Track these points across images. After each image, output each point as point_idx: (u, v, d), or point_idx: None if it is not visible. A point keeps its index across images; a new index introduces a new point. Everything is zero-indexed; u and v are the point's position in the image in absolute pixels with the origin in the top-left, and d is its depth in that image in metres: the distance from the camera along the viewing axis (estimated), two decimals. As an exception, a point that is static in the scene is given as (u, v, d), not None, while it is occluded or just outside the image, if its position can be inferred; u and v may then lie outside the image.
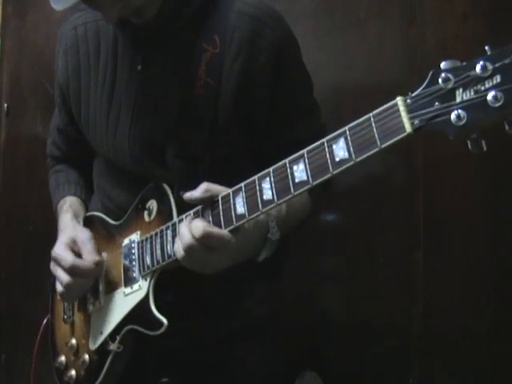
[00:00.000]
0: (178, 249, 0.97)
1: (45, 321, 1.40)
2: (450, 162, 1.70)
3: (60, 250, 1.16)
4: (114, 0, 1.00)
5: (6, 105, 2.43)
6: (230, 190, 0.96)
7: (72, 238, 1.19)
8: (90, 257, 1.16)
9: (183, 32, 1.11)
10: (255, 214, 0.92)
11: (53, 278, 1.35)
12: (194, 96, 1.08)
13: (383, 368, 1.78)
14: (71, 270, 1.13)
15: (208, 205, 0.98)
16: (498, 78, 0.65)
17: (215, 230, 0.94)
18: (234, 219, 0.94)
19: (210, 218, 0.98)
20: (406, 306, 1.76)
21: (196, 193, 0.98)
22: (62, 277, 1.15)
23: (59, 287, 1.17)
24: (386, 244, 1.79)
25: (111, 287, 1.19)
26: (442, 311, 1.72)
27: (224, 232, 0.94)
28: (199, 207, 1.00)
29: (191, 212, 1.02)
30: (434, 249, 1.74)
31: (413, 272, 1.75)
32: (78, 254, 1.17)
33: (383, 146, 0.75)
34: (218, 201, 0.97)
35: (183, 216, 1.04)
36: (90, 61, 1.20)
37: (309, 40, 1.84)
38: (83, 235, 1.20)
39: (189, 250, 0.95)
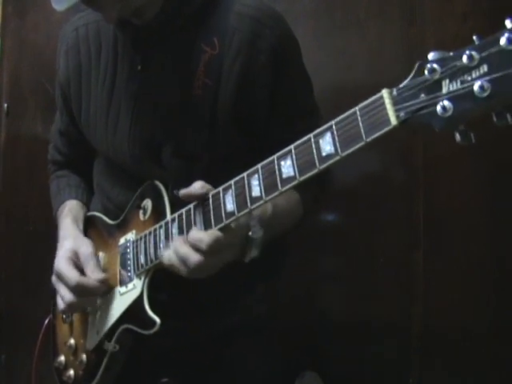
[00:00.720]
0: (183, 270, 0.96)
1: (46, 321, 1.40)
2: (449, 162, 1.70)
3: (63, 266, 1.15)
4: (114, 0, 1.00)
5: (5, 105, 2.43)
6: (220, 188, 0.96)
7: (74, 251, 1.17)
8: (94, 275, 1.13)
9: (183, 32, 1.12)
10: (244, 211, 0.91)
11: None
12: (192, 96, 1.09)
13: (383, 368, 1.78)
14: (76, 289, 1.12)
15: (201, 202, 0.98)
16: (484, 68, 0.63)
17: (216, 233, 0.93)
18: (223, 217, 0.94)
19: (202, 216, 0.97)
20: (406, 306, 1.76)
21: (193, 190, 0.97)
22: (66, 295, 1.13)
23: (61, 304, 1.16)
24: (386, 244, 1.79)
25: (108, 287, 1.18)
26: (442, 311, 1.72)
27: (218, 233, 0.94)
28: (191, 206, 1.00)
29: (183, 210, 1.02)
30: (434, 249, 1.73)
31: (413, 272, 1.75)
32: (81, 269, 1.15)
33: (368, 139, 0.74)
34: (208, 199, 0.97)
35: (176, 215, 1.04)
36: (90, 61, 1.20)
37: (309, 40, 1.84)
38: (85, 250, 1.17)
39: (199, 266, 0.94)
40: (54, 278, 1.17)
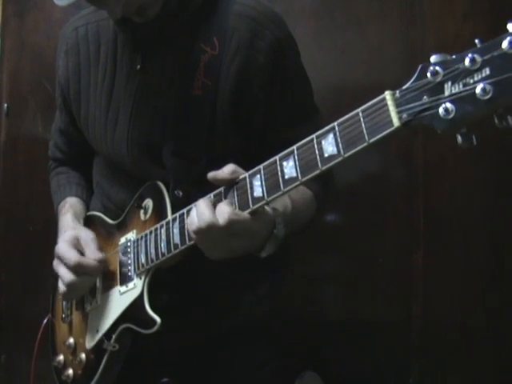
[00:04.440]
0: (199, 233, 0.92)
1: (45, 320, 1.40)
2: (449, 162, 1.70)
3: (64, 248, 1.16)
4: None
5: (5, 105, 2.42)
6: (221, 188, 0.95)
7: (75, 236, 1.19)
8: (93, 255, 1.15)
9: (183, 33, 1.11)
10: (246, 211, 0.91)
11: (54, 278, 1.36)
12: (191, 96, 1.09)
13: (383, 368, 1.78)
14: (75, 268, 1.13)
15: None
16: (486, 71, 0.64)
17: (239, 215, 0.91)
18: None
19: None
20: (406, 306, 1.76)
21: (223, 173, 0.94)
22: (65, 275, 1.14)
23: (61, 286, 1.17)
24: (386, 244, 1.79)
25: (108, 286, 1.19)
26: (442, 311, 1.72)
27: (245, 215, 0.91)
28: (192, 205, 0.99)
29: (184, 210, 1.01)
30: (434, 249, 1.74)
31: (413, 272, 1.75)
32: (81, 253, 1.16)
33: (371, 140, 0.74)
34: (210, 197, 0.97)
35: (177, 214, 1.04)
36: (90, 61, 1.20)
37: (309, 40, 1.84)
38: (86, 235, 1.19)
39: (211, 235, 0.91)
40: (54, 262, 1.18)
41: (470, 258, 1.69)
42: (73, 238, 1.18)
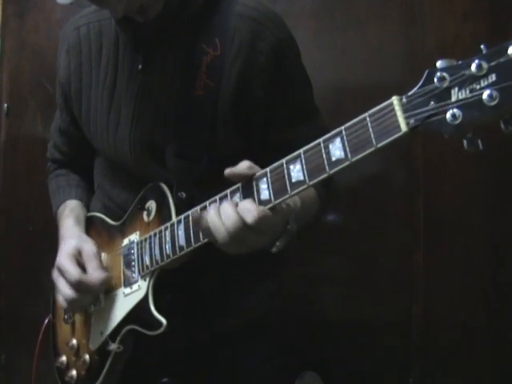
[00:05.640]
0: (221, 233, 0.90)
1: (46, 321, 1.40)
2: (450, 163, 1.70)
3: (65, 261, 1.15)
4: None
5: (5, 105, 2.42)
6: (228, 191, 0.95)
7: (78, 248, 1.18)
8: (95, 273, 1.14)
9: (184, 32, 1.12)
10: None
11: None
12: (193, 97, 1.09)
13: (383, 368, 1.78)
14: (76, 286, 1.12)
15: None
16: (493, 77, 0.65)
17: (266, 211, 0.89)
18: None
19: None
20: (406, 306, 1.76)
21: (240, 168, 0.92)
22: (66, 291, 1.14)
23: (63, 302, 1.16)
24: (386, 244, 1.80)
25: (111, 287, 1.19)
26: (442, 311, 1.72)
27: (268, 212, 0.89)
28: (197, 207, 0.99)
29: (189, 212, 1.01)
30: (434, 249, 1.74)
31: (413, 272, 1.75)
32: (83, 267, 1.16)
33: (379, 145, 0.75)
34: (216, 200, 0.97)
35: (182, 216, 1.04)
36: (91, 60, 1.20)
37: (309, 40, 1.84)
38: (89, 248, 1.18)
39: (237, 233, 0.89)
40: (54, 273, 1.17)
41: (470, 258, 1.69)
42: (75, 251, 1.17)
